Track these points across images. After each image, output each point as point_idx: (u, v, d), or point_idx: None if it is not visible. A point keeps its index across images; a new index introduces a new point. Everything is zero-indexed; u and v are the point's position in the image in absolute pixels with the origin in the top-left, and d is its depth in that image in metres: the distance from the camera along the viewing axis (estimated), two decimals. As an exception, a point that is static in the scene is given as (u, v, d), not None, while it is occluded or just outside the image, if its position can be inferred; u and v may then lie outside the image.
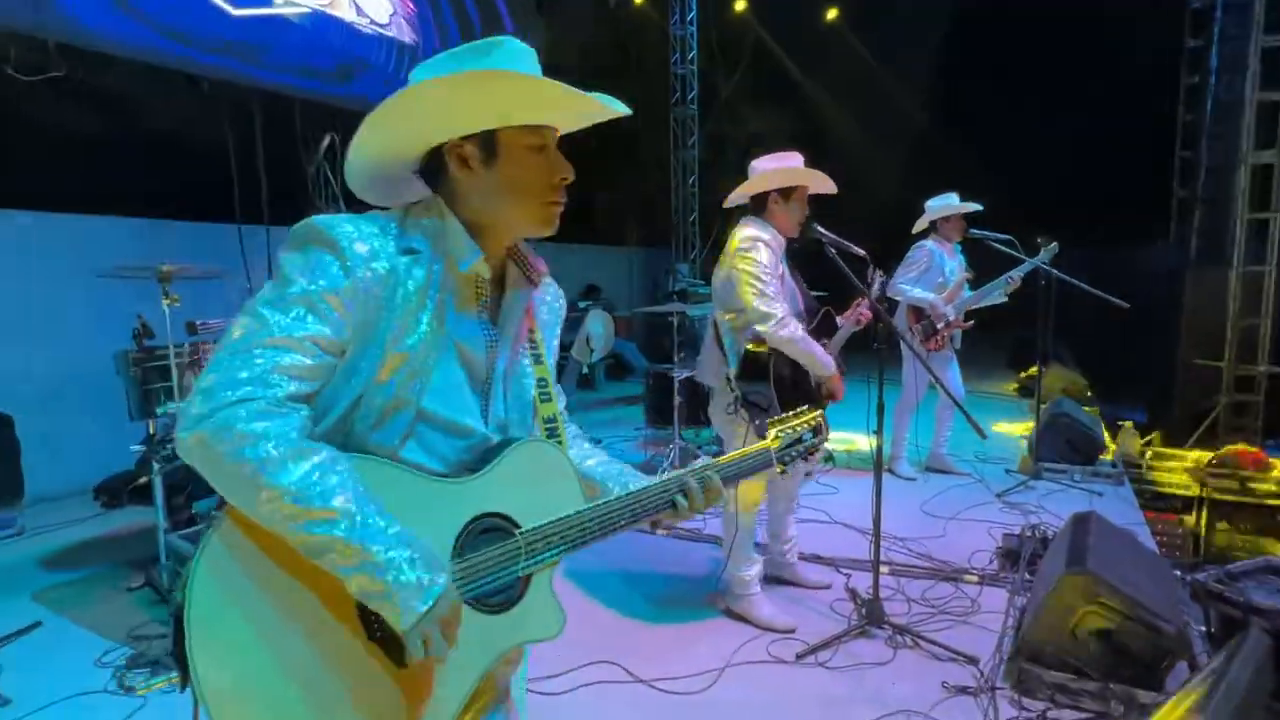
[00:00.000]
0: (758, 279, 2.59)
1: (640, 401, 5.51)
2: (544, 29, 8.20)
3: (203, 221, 5.25)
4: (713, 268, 2.90)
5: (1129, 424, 6.16)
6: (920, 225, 4.51)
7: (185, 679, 0.92)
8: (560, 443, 1.20)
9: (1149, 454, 5.58)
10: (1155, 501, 5.01)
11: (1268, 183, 6.56)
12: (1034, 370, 5.58)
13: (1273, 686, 1.89)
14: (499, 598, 1.08)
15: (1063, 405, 5.11)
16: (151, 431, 3.12)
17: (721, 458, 1.32)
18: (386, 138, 1.07)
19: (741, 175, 2.86)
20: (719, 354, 2.81)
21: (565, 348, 8.10)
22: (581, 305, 7.86)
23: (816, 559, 3.41)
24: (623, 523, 1.18)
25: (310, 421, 0.97)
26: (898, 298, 4.44)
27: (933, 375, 2.82)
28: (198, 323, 3.23)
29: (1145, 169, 9.91)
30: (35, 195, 4.46)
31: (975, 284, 4.50)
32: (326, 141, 3.06)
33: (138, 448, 3.12)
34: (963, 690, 2.36)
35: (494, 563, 1.07)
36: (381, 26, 5.84)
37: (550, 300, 1.31)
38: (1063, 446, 4.75)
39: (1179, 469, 5.21)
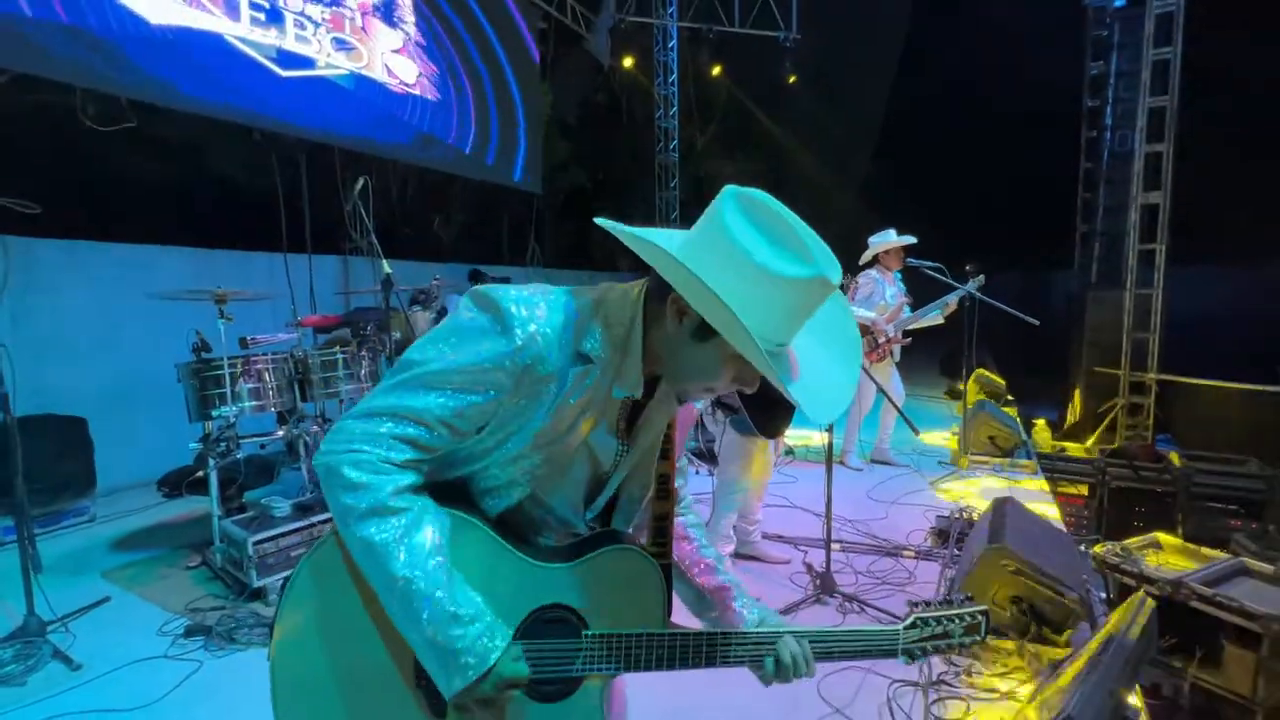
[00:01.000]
0: None
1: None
2: (547, 89, 8.26)
3: (253, 251, 5.23)
4: None
5: (1042, 422, 6.24)
6: (865, 258, 4.57)
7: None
8: (665, 544, 1.01)
9: (1059, 447, 5.65)
10: (1064, 487, 5.06)
11: (1154, 219, 6.68)
12: (961, 378, 5.63)
13: (1155, 644, 1.91)
14: (548, 689, 0.94)
15: (985, 406, 5.15)
16: (207, 431, 3.09)
17: (839, 629, 1.03)
18: (640, 244, 0.83)
19: None
20: None
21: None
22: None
23: (779, 538, 3.41)
24: (689, 662, 0.96)
25: (419, 478, 0.88)
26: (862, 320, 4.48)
27: (875, 383, 2.84)
28: (248, 338, 3.22)
29: (1054, 208, 10.07)
30: (110, 229, 4.43)
31: (913, 307, 4.56)
32: (360, 183, 3.05)
33: (195, 445, 3.09)
34: (901, 649, 2.37)
35: (552, 654, 0.93)
36: (409, 86, 5.86)
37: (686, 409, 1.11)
38: (985, 442, 4.79)
39: (1083, 460, 5.27)
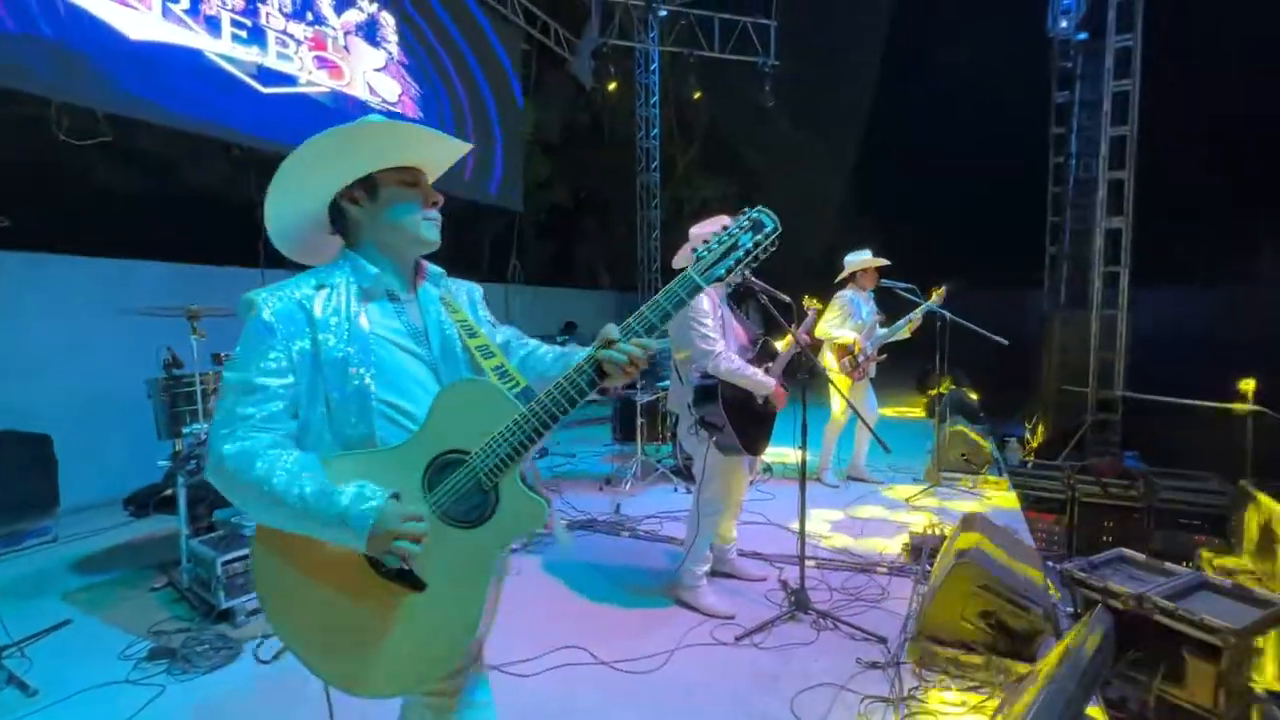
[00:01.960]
0: (699, 324, 2.66)
1: (609, 421, 5.52)
2: (530, 109, 8.34)
3: (230, 266, 5.18)
4: None
5: (1014, 440, 6.35)
6: (841, 276, 4.66)
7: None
8: (515, 381, 1.22)
9: (1030, 464, 5.74)
10: (1035, 504, 5.14)
11: (1117, 243, 6.90)
12: (937, 391, 5.72)
13: (1113, 656, 1.95)
14: (476, 512, 1.12)
15: (958, 424, 5.23)
16: (178, 449, 3.03)
17: (635, 315, 1.14)
18: (291, 197, 1.17)
19: None
20: (680, 386, 2.86)
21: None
22: (560, 339, 7.86)
23: (755, 555, 3.42)
24: (561, 409, 1.12)
25: (278, 437, 1.10)
26: (825, 338, 4.56)
27: (847, 402, 2.89)
28: (222, 355, 3.18)
29: (1025, 231, 10.36)
30: (82, 242, 4.37)
31: (885, 324, 4.66)
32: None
33: (164, 463, 3.03)
34: (873, 665, 2.39)
35: (459, 486, 1.11)
36: (391, 104, 5.89)
37: (466, 290, 1.38)
38: (959, 459, 4.87)
39: (1054, 477, 5.37)
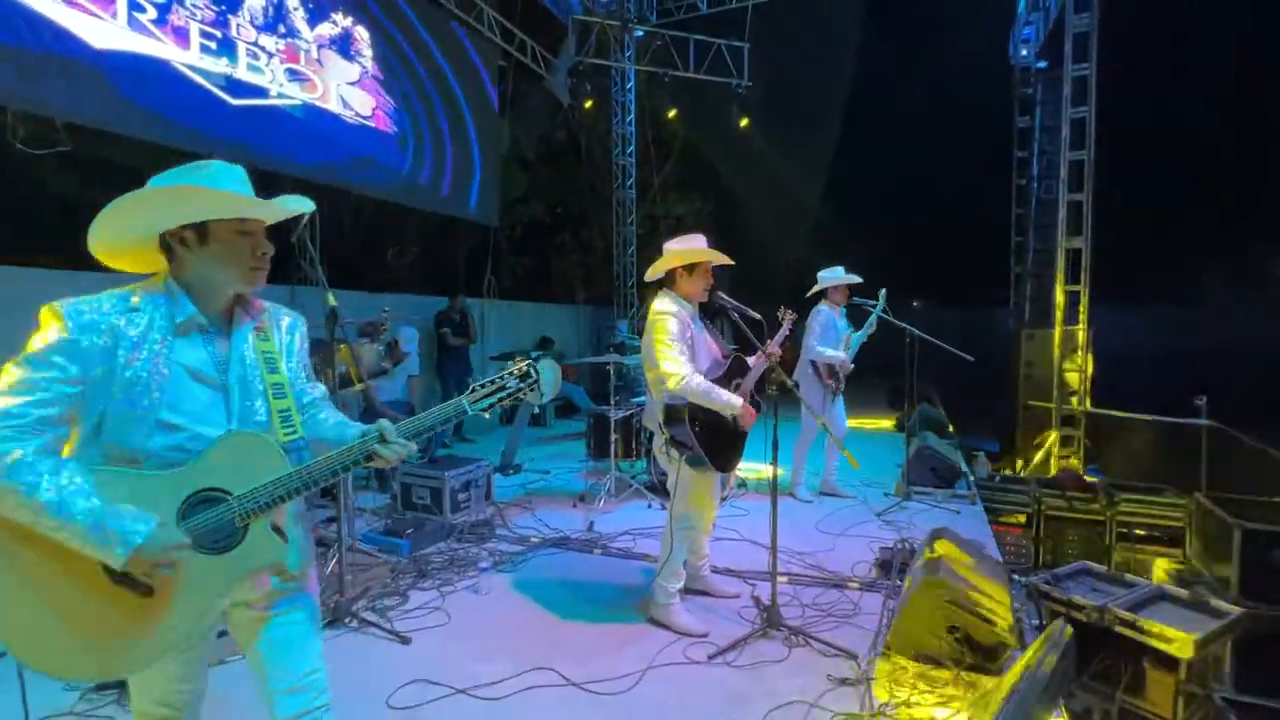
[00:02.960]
0: (666, 346, 2.67)
1: (584, 437, 5.49)
2: (507, 126, 8.37)
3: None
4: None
5: (982, 454, 6.47)
6: (813, 291, 4.73)
7: None
8: (294, 429, 1.33)
9: (998, 479, 5.86)
10: (1004, 518, 5.24)
11: (1078, 262, 7.14)
12: (910, 405, 5.82)
13: (1076, 667, 1.99)
14: (222, 543, 1.23)
15: (927, 440, 5.32)
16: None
17: (410, 420, 1.35)
18: (122, 224, 1.25)
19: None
20: (654, 403, 2.86)
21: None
22: (533, 355, 7.82)
23: (729, 571, 3.42)
24: (324, 478, 1.27)
25: (55, 440, 1.15)
26: (818, 360, 4.59)
27: (817, 418, 2.92)
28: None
29: (993, 250, 10.68)
30: (34, 253, 4.23)
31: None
32: (306, 216, 3.00)
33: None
34: (843, 682, 2.39)
35: (213, 520, 1.22)
36: (364, 117, 5.86)
37: (288, 325, 1.45)
38: (928, 474, 4.94)
39: (1020, 490, 5.48)
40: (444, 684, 2.38)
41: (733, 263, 2.87)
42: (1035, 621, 2.97)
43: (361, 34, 5.86)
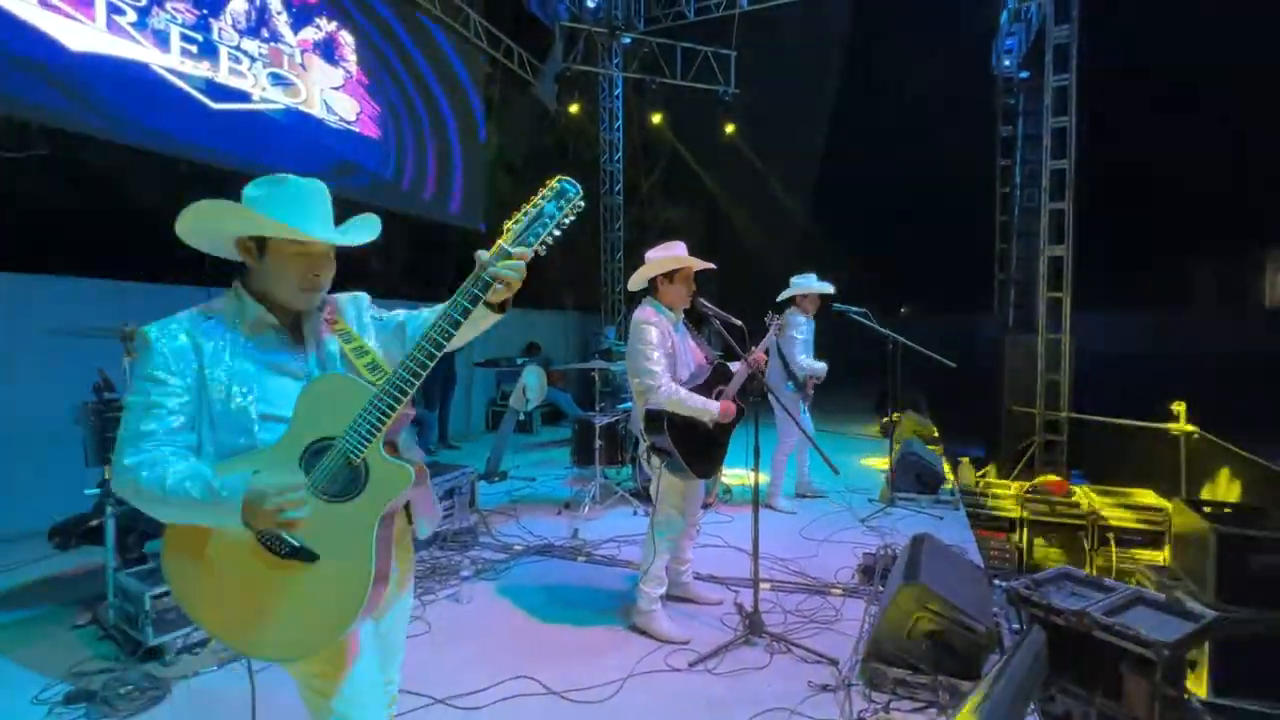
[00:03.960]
0: (645, 356, 2.71)
1: (569, 444, 5.48)
2: (494, 132, 8.39)
3: (174, 285, 5.01)
4: None
5: (966, 460, 6.51)
6: (783, 296, 4.70)
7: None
8: (385, 372, 1.34)
9: (981, 484, 5.91)
10: (988, 523, 5.28)
11: (1060, 270, 7.25)
12: (893, 416, 5.88)
13: (1046, 672, 2.01)
14: (351, 487, 1.26)
15: (912, 445, 5.36)
16: (107, 476, 2.89)
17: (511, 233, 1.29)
18: (199, 226, 1.32)
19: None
20: (638, 411, 2.88)
21: (504, 396, 7.99)
22: (519, 361, 7.81)
23: (712, 578, 3.42)
24: (429, 352, 1.25)
25: (185, 447, 1.25)
26: (812, 374, 4.59)
27: (798, 425, 2.94)
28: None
29: (977, 257, 10.81)
30: (7, 259, 4.17)
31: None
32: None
33: (93, 491, 2.88)
34: (824, 688, 2.40)
35: (331, 466, 1.26)
36: (349, 123, 5.85)
37: (351, 305, 1.50)
38: (912, 480, 4.98)
39: (1005, 496, 5.54)
40: (423, 694, 2.37)
41: (713, 267, 2.87)
42: (1015, 626, 3.00)
43: (346, 38, 5.86)
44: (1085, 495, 5.59)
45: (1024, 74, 9.25)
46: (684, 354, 2.90)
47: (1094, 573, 4.04)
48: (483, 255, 1.27)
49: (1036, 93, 8.11)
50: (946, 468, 5.66)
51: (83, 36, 3.85)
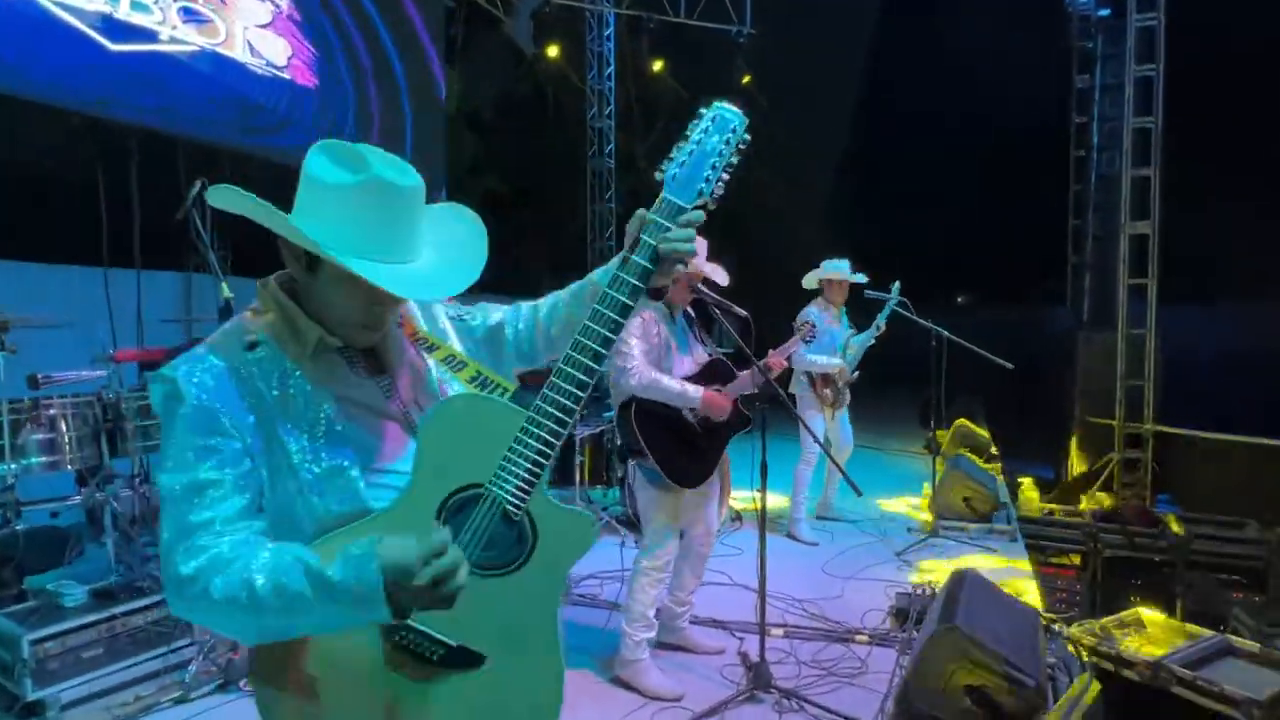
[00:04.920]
0: (621, 341, 2.76)
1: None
2: (456, 79, 8.41)
3: (62, 265, 5.03)
4: None
5: (1028, 481, 6.55)
6: (809, 282, 4.81)
7: None
8: (498, 386, 1.21)
9: (1047, 510, 5.95)
10: (1056, 558, 5.32)
11: (1144, 251, 7.25)
12: (934, 432, 5.91)
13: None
14: (513, 552, 1.09)
15: (960, 464, 5.40)
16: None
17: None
18: (235, 207, 1.11)
19: None
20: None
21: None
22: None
23: (712, 622, 3.45)
24: (579, 387, 1.10)
25: (258, 535, 1.06)
26: (811, 370, 4.67)
27: (813, 436, 2.98)
28: (40, 376, 3.09)
29: (1046, 235, 10.82)
30: None
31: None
32: (196, 188, 3.04)
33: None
34: (842, 754, 2.44)
35: (481, 527, 1.08)
36: (278, 69, 5.86)
37: (413, 306, 1.33)
38: (960, 505, 5.02)
39: (1075, 525, 5.56)
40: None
41: (726, 280, 2.91)
42: (1075, 680, 3.03)
43: (275, -34, 5.88)
44: (1173, 524, 5.61)
45: (1104, 11, 9.27)
46: (677, 353, 2.94)
47: (1180, 617, 4.06)
48: (646, 216, 1.14)
49: (1118, 34, 8.13)
50: (1001, 486, 5.70)
51: (-49, -38, 3.87)
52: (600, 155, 9.91)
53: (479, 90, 9.47)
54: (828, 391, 4.71)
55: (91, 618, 2.77)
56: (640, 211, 1.16)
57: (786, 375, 4.76)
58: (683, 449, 2.82)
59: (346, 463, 1.10)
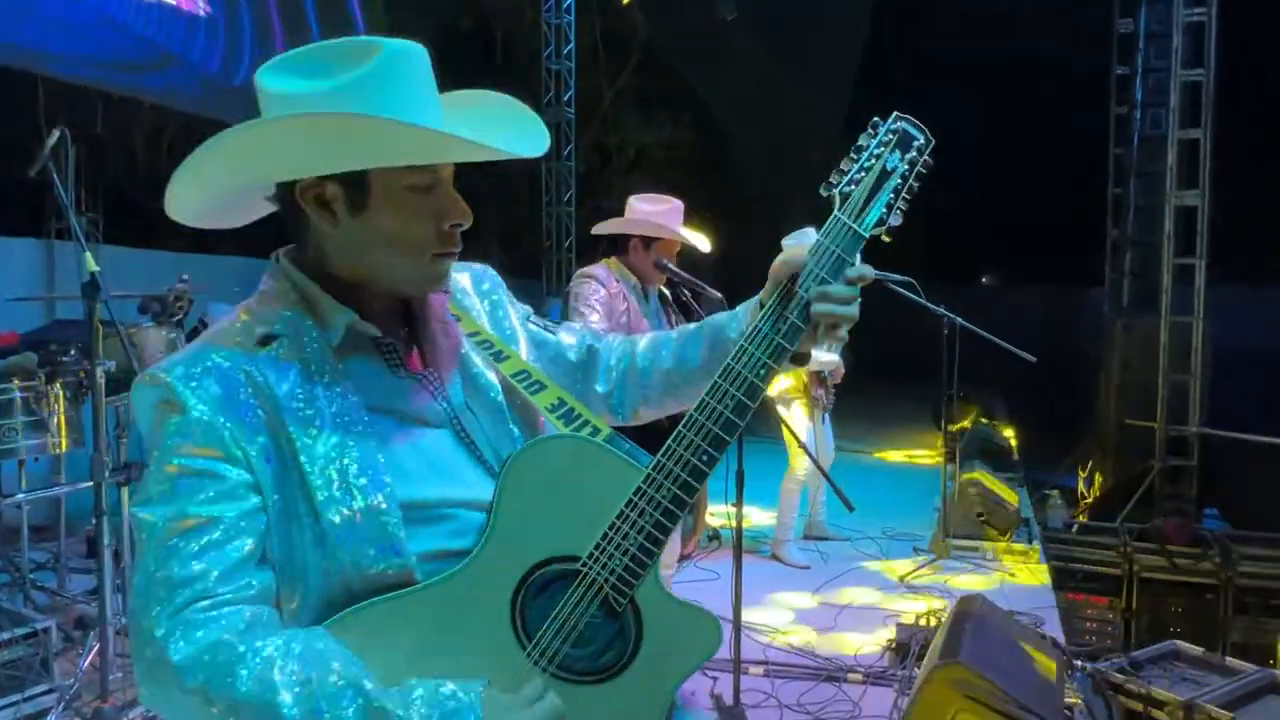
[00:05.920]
0: (578, 312, 2.89)
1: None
2: (382, 10, 8.31)
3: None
4: None
5: (1055, 493, 6.69)
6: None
7: None
8: (587, 419, 1.12)
9: (1075, 527, 6.08)
10: (1083, 583, 5.43)
11: (1192, 225, 7.37)
12: (955, 424, 5.97)
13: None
14: (610, 655, 1.01)
15: (977, 472, 5.48)
16: None
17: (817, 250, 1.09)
18: (215, 181, 1.04)
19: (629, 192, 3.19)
20: None
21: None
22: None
23: (682, 660, 3.48)
24: (716, 445, 1.02)
25: (262, 594, 0.96)
26: (805, 367, 4.71)
27: (799, 442, 3.02)
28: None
29: (1082, 206, 10.97)
30: None
31: None
32: (55, 137, 2.98)
33: None
34: (827, 812, 2.48)
35: (571, 616, 0.99)
36: (163, -7, 5.76)
37: (472, 287, 1.25)
38: (974, 521, 5.10)
39: (1107, 545, 5.68)
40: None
41: (708, 249, 3.01)
42: (1103, 724, 3.13)
43: None
44: (1219, 544, 5.74)
45: (1150, -55, 9.42)
46: (641, 329, 2.97)
47: (1223, 651, 4.19)
48: (807, 254, 1.07)
49: (1165, -29, 8.27)
50: (1023, 498, 5.81)
51: None
52: (558, 104, 9.86)
53: (409, 25, 9.34)
54: (820, 393, 4.72)
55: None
56: (792, 250, 1.08)
57: None
58: (646, 446, 2.83)
59: (383, 499, 0.97)
